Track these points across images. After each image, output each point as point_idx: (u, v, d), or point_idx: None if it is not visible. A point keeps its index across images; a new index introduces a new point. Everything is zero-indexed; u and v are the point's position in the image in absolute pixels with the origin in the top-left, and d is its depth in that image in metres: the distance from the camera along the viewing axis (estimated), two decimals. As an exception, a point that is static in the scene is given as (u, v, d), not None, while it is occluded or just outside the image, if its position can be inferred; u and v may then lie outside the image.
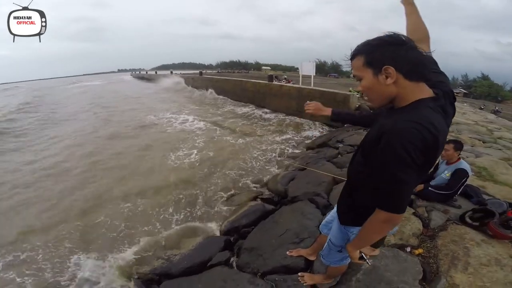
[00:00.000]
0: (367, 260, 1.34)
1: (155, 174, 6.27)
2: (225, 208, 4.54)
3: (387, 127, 0.91)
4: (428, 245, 2.41)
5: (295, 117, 12.10)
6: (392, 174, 0.88)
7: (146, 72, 76.31)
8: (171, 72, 46.58)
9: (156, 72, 63.95)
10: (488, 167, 4.26)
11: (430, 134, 0.84)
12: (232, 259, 2.76)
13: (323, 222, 1.90)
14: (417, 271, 2.06)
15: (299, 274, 2.23)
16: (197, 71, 40.16)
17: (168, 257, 2.84)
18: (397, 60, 0.90)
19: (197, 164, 6.73)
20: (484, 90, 52.48)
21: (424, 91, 0.94)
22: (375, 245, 2.22)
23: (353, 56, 1.00)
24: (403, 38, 0.92)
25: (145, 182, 5.73)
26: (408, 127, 0.85)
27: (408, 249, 2.38)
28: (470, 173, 3.05)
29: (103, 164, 7.03)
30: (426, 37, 1.32)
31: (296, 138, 9.05)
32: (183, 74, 41.58)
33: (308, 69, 13.41)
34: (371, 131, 1.08)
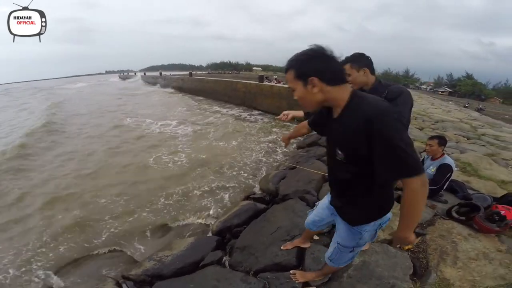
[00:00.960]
0: (423, 231, 1.34)
1: (140, 175, 6.18)
2: (216, 208, 4.51)
3: (371, 113, 1.01)
4: (417, 240, 2.45)
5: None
6: (404, 142, 0.97)
7: (135, 74, 75.13)
8: (160, 74, 45.71)
9: (144, 73, 62.80)
10: (472, 162, 4.39)
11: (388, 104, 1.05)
12: (224, 258, 2.75)
13: (309, 220, 1.94)
14: (407, 266, 2.09)
15: (291, 271, 2.24)
16: (187, 72, 39.72)
17: (160, 258, 2.79)
18: (320, 71, 1.08)
19: (186, 166, 6.67)
20: (468, 89, 54.02)
21: (348, 89, 1.14)
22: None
23: (286, 70, 1.16)
24: (323, 51, 1.08)
25: (132, 185, 5.63)
26: (386, 105, 1.03)
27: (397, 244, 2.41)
28: (454, 168, 3.12)
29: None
30: None
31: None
32: (172, 75, 41.14)
33: None
34: (346, 134, 1.13)
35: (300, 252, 2.48)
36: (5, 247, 3.67)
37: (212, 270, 2.46)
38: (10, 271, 3.22)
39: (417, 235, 1.24)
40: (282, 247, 2.56)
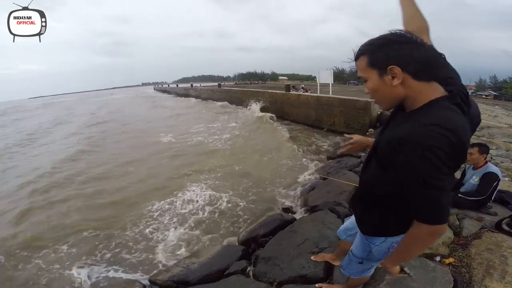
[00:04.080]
0: (409, 273, 1.25)
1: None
2: (244, 217, 4.50)
3: (405, 133, 0.82)
4: (460, 254, 2.23)
5: (314, 127, 11.98)
6: (427, 183, 0.80)
7: (168, 85, 78.77)
8: (191, 85, 47.70)
9: (177, 85, 65.76)
10: (525, 172, 3.93)
11: (452, 135, 0.75)
12: (249, 268, 2.70)
13: (342, 227, 1.82)
14: (447, 281, 1.89)
15: (317, 285, 2.14)
16: (216, 84, 41.14)
17: (186, 265, 2.83)
18: (403, 59, 0.84)
19: (219, 175, 6.75)
20: None
21: (436, 91, 0.86)
22: None
23: (357, 57, 0.95)
24: (409, 36, 0.85)
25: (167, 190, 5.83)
26: (429, 130, 0.77)
27: (438, 258, 2.21)
28: (500, 176, 2.82)
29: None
30: (424, 27, 1.14)
31: (315, 148, 8.90)
32: (202, 86, 42.97)
33: (326, 77, 13.34)
34: (385, 137, 0.97)
35: (329, 265, 2.37)
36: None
37: (236, 279, 2.44)
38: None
39: (402, 271, 1.16)
40: (312, 258, 2.47)
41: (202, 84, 53.69)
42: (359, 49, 0.95)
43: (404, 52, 0.84)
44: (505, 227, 2.38)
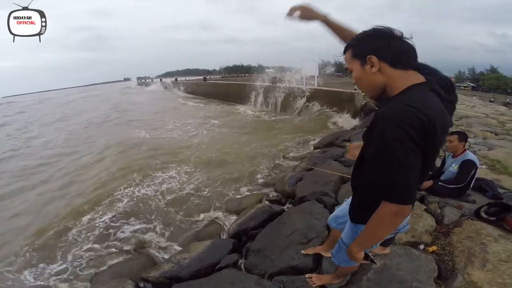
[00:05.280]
0: (373, 259, 1.28)
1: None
2: (232, 210, 4.51)
3: (384, 111, 0.91)
4: (443, 242, 2.33)
5: (300, 117, 12.09)
6: (394, 159, 0.86)
7: (152, 80, 76.79)
8: (176, 79, 47.12)
9: (160, 80, 64.38)
10: (501, 159, 4.13)
11: (423, 114, 0.83)
12: (240, 261, 2.72)
13: (332, 215, 1.87)
14: (432, 269, 1.98)
15: (307, 275, 2.18)
16: (202, 77, 40.49)
17: (178, 260, 2.81)
18: (380, 50, 0.96)
19: (199, 166, 6.72)
20: (492, 83, 51.49)
21: (414, 78, 0.96)
22: (385, 244, 2.16)
23: (344, 51, 1.08)
24: (387, 30, 0.97)
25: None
26: (401, 108, 0.86)
27: (421, 246, 2.30)
28: (478, 164, 2.95)
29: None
30: None
31: (302, 139, 8.97)
32: (187, 80, 42.51)
33: (311, 70, 13.43)
34: (368, 126, 1.06)
35: (318, 255, 2.41)
36: None
37: (227, 273, 2.45)
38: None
39: (366, 257, 1.19)
40: (302, 252, 2.50)
41: (187, 78, 52.79)
42: (346, 44, 1.08)
43: (380, 43, 0.96)
44: (483, 215, 2.50)
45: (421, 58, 1.02)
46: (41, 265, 3.54)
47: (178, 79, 49.18)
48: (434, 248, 2.23)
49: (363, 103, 9.95)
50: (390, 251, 2.20)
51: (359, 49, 1.01)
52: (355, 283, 1.98)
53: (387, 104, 0.94)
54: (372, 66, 0.97)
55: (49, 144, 11.27)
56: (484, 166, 3.88)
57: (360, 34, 1.03)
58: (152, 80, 78.39)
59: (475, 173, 2.93)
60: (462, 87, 51.83)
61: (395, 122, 0.84)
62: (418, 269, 1.98)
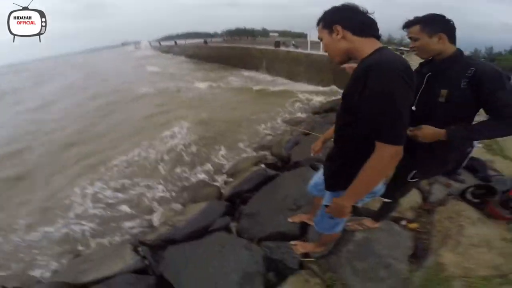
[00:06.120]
0: (358, 205, 1.30)
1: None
2: (228, 173, 4.63)
3: (371, 63, 0.99)
4: (424, 220, 2.41)
5: (303, 83, 11.80)
6: (394, 102, 0.94)
7: (150, 44, 73.91)
8: (175, 43, 46.21)
9: (159, 43, 62.05)
10: (500, 141, 4.10)
11: (402, 62, 0.96)
12: (232, 224, 2.86)
13: (312, 183, 1.91)
14: (408, 247, 2.10)
15: (292, 242, 2.31)
16: (202, 40, 38.61)
17: (173, 223, 2.96)
18: (344, 20, 1.11)
19: (200, 125, 6.75)
20: (509, 63, 49.08)
21: (376, 44, 1.09)
22: (377, 218, 2.25)
23: (318, 23, 1.22)
24: (353, 5, 1.12)
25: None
26: (386, 59, 0.97)
27: (403, 222, 2.39)
28: (476, 144, 2.92)
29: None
30: None
31: (301, 103, 8.83)
32: (187, 42, 41.52)
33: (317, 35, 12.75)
34: (348, 81, 1.14)
35: (304, 223, 2.52)
36: None
37: (219, 235, 2.59)
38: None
39: (356, 212, 1.23)
40: (289, 219, 2.60)
41: (187, 41, 50.33)
42: (318, 18, 1.21)
43: (345, 15, 1.11)
44: (468, 196, 2.54)
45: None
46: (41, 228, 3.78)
47: (178, 42, 48.08)
48: (415, 225, 2.32)
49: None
50: (377, 226, 2.29)
51: (327, 20, 1.16)
52: (336, 254, 2.12)
53: (361, 63, 1.07)
54: (337, 34, 1.12)
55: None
56: (480, 145, 3.86)
57: (329, 8, 1.17)
58: (150, 44, 74.77)
59: (470, 151, 2.91)
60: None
61: (388, 69, 0.94)
62: (396, 246, 2.10)
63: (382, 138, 0.98)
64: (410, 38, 1.47)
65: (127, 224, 3.65)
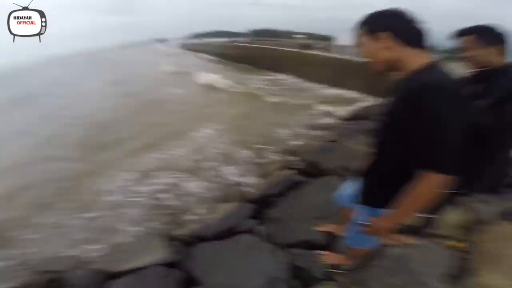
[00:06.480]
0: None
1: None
2: (256, 176, 4.66)
3: (419, 85, 0.92)
4: (468, 238, 2.24)
5: (331, 87, 11.55)
6: (444, 127, 0.89)
7: (178, 42, 76.93)
8: (202, 41, 49.22)
9: (187, 41, 64.48)
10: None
11: (459, 87, 0.95)
12: (257, 227, 2.85)
13: (340, 193, 1.86)
14: (446, 265, 1.96)
15: (320, 252, 2.26)
16: (228, 39, 39.44)
17: (204, 220, 3.07)
18: (392, 27, 1.03)
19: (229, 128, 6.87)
20: None
21: (427, 57, 1.01)
22: (415, 234, 2.14)
23: (357, 27, 1.14)
24: (402, 11, 1.03)
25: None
26: (442, 80, 0.92)
27: (445, 239, 2.24)
28: None
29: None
30: None
31: (330, 108, 8.63)
32: (213, 41, 43.65)
33: (347, 39, 12.34)
34: (392, 98, 1.08)
35: (331, 233, 2.46)
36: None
37: (244, 238, 2.59)
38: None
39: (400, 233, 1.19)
40: (316, 228, 2.54)
41: (214, 40, 52.30)
42: (359, 21, 1.13)
43: (393, 21, 1.04)
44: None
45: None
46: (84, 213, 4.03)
47: (205, 40, 50.44)
48: (458, 244, 2.17)
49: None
50: (413, 241, 2.17)
51: (373, 25, 1.08)
52: (366, 267, 2.03)
53: (410, 79, 1.00)
54: (384, 42, 1.04)
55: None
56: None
57: (373, 12, 1.09)
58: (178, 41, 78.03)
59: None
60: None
61: (440, 92, 0.88)
62: (432, 263, 1.97)
63: (430, 166, 0.93)
64: (462, 48, 1.45)
65: (162, 217, 3.78)
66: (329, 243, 2.42)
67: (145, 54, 44.90)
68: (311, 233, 2.53)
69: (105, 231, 3.63)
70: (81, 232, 3.66)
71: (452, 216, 2.43)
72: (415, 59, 1.01)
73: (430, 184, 0.94)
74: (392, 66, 1.08)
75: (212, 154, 5.65)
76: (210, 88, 11.76)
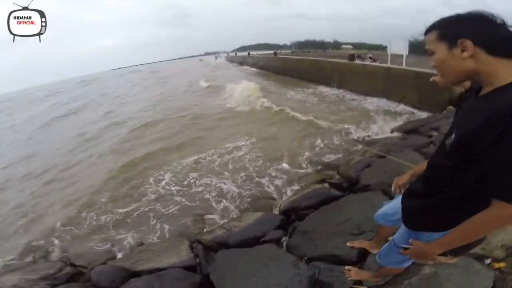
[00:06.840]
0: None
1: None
2: (290, 187, 4.61)
3: (505, 105, 0.76)
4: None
5: (381, 98, 10.92)
6: None
7: (227, 54, 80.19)
8: (248, 54, 48.99)
9: (235, 54, 67.55)
10: None
11: None
12: (283, 238, 2.83)
13: (380, 212, 1.75)
14: (484, 286, 1.73)
15: (347, 267, 2.15)
16: (272, 52, 40.30)
17: (229, 227, 3.10)
18: (476, 33, 0.85)
19: (263, 144, 6.97)
20: None
21: None
22: (454, 253, 1.93)
23: (428, 31, 0.98)
24: (487, 15, 0.86)
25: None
26: None
27: (488, 261, 1.97)
28: None
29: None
30: None
31: (377, 121, 8.17)
32: (259, 54, 44.02)
33: (399, 48, 11.61)
34: (471, 118, 0.89)
35: (364, 250, 2.33)
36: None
37: (268, 248, 2.59)
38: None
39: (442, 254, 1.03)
40: (348, 244, 2.43)
41: (259, 53, 53.89)
42: (431, 24, 0.97)
43: (477, 27, 0.86)
44: None
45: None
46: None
47: (251, 53, 51.37)
48: (502, 265, 1.89)
49: (465, 90, 8.28)
50: (454, 261, 1.95)
51: (449, 30, 0.91)
52: (394, 285, 1.88)
53: (496, 98, 0.82)
54: (463, 51, 0.87)
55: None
56: None
57: (451, 15, 0.93)
58: (227, 54, 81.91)
59: None
60: None
61: None
62: (470, 284, 1.74)
63: (506, 197, 0.82)
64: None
65: (189, 220, 3.96)
66: (360, 259, 2.29)
67: (194, 67, 48.73)
68: (341, 248, 2.42)
69: (136, 227, 3.94)
70: (114, 227, 4.04)
71: (501, 234, 2.13)
72: (505, 71, 0.84)
73: (504, 215, 0.85)
74: (472, 78, 0.94)
75: (247, 165, 5.75)
76: (245, 103, 12.05)
